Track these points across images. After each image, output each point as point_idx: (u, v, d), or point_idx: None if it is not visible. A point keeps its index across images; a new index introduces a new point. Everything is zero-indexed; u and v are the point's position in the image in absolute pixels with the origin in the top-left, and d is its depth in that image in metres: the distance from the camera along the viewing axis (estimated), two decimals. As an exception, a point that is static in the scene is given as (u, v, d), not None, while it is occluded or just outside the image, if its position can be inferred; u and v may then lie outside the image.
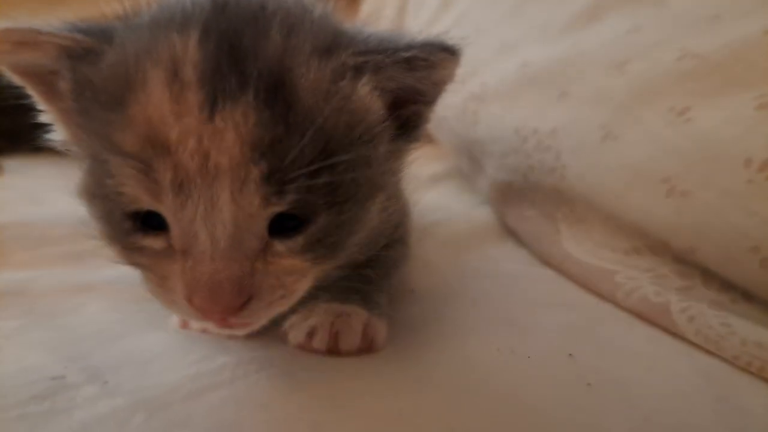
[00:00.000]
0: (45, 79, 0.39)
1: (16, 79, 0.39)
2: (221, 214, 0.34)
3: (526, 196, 0.76)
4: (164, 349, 0.45)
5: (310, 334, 0.45)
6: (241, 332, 0.42)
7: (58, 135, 0.42)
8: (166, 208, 0.35)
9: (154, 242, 0.36)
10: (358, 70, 0.38)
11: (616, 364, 0.46)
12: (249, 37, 0.35)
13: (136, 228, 0.36)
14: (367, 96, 0.39)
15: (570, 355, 0.47)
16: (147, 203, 0.35)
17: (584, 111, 0.67)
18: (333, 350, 0.45)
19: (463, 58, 0.40)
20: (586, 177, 0.64)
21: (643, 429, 0.38)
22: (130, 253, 0.38)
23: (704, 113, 0.54)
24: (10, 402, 0.37)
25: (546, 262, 0.70)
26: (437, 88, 0.42)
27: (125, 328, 0.49)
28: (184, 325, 0.49)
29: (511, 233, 0.81)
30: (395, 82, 0.40)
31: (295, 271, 0.38)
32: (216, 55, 0.34)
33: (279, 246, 0.37)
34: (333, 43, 0.38)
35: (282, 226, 0.36)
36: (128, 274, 0.62)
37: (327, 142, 0.36)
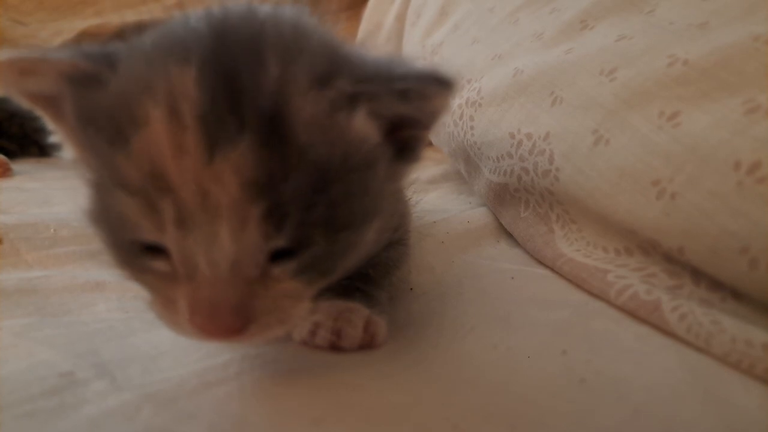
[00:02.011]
0: (53, 102, 0.39)
1: (25, 104, 0.39)
2: (222, 248, 0.35)
3: (521, 198, 0.78)
4: (171, 345, 0.46)
5: (313, 330, 0.46)
6: (237, 344, 0.44)
7: (68, 153, 0.42)
8: (168, 240, 0.35)
9: (160, 265, 0.37)
10: (355, 99, 0.38)
11: (607, 360, 0.47)
12: (246, 71, 0.34)
13: (143, 252, 0.37)
14: (364, 124, 0.39)
15: (564, 351, 0.48)
16: (150, 235, 0.35)
17: (576, 116, 0.69)
18: (335, 346, 0.46)
19: (456, 89, 0.39)
20: (579, 180, 0.66)
21: (632, 420, 0.39)
22: (138, 274, 0.38)
23: (693, 118, 0.56)
24: (20, 397, 0.38)
25: (540, 261, 0.72)
26: (432, 117, 0.41)
27: (133, 326, 0.50)
28: None
29: (507, 233, 0.83)
30: (391, 110, 0.40)
31: (292, 294, 0.39)
32: (214, 91, 0.34)
33: (276, 270, 0.37)
34: (331, 71, 0.37)
35: (279, 252, 0.37)
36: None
37: (324, 175, 0.36)
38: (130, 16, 1.52)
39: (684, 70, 0.59)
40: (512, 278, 0.67)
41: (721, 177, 0.51)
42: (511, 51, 0.89)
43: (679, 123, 0.56)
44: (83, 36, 1.48)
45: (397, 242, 0.56)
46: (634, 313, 0.55)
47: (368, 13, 1.79)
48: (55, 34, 1.49)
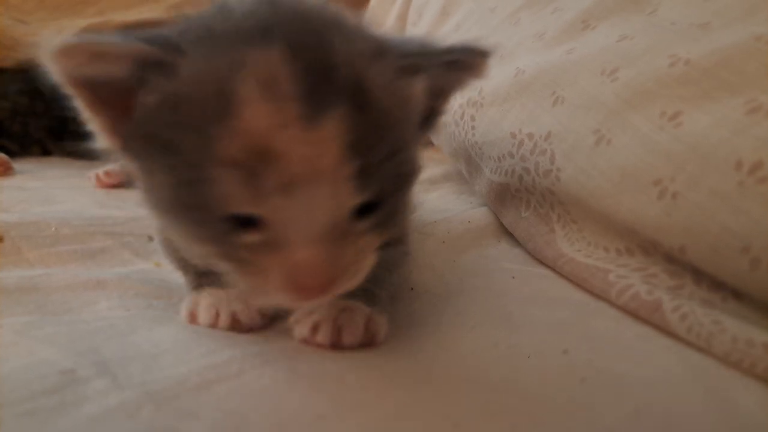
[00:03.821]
0: (98, 90, 0.39)
1: (68, 89, 0.39)
2: (319, 210, 0.38)
3: (522, 198, 0.78)
4: (172, 343, 0.46)
5: (314, 328, 0.47)
6: (313, 304, 0.46)
7: (102, 143, 0.43)
8: (266, 209, 0.37)
9: (251, 237, 0.39)
10: (410, 71, 0.42)
11: (608, 360, 0.47)
12: (324, 47, 0.38)
13: (233, 227, 0.38)
14: (419, 93, 0.44)
15: (565, 350, 0.48)
16: (247, 207, 0.37)
17: (578, 116, 0.69)
18: (336, 344, 0.46)
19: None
20: (580, 179, 0.66)
21: (633, 419, 0.40)
22: (228, 250, 0.40)
23: (694, 117, 0.56)
24: (20, 395, 0.38)
25: (541, 261, 0.72)
26: (464, 85, 0.48)
27: (134, 324, 0.50)
28: (192, 320, 0.51)
29: (508, 233, 0.83)
30: (440, 80, 0.46)
31: (367, 248, 0.42)
32: (303, 66, 0.36)
33: (359, 226, 0.41)
34: (382, 48, 0.41)
35: (360, 209, 0.40)
36: (137, 271, 0.65)
37: (396, 135, 0.41)
38: (132, 15, 1.52)
39: (685, 69, 0.59)
40: (513, 278, 0.67)
41: (723, 177, 0.51)
42: (512, 51, 0.89)
43: (681, 123, 0.56)
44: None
45: (397, 241, 0.56)
46: (635, 313, 0.56)
47: (369, 12, 1.79)
48: (56, 33, 1.49)
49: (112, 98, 0.39)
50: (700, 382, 0.44)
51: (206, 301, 0.51)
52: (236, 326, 0.49)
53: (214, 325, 0.50)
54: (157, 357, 0.44)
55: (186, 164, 0.37)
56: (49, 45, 0.36)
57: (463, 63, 0.45)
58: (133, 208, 0.91)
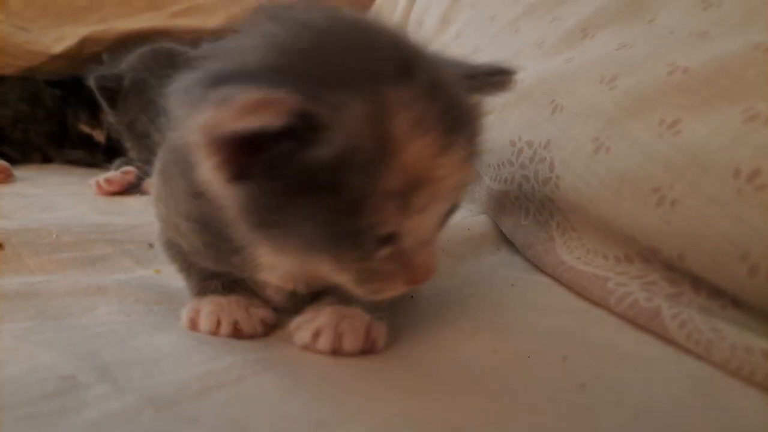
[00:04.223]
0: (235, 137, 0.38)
1: (200, 136, 0.38)
2: (438, 216, 0.45)
3: (522, 206, 0.78)
4: (172, 349, 0.46)
5: (316, 335, 0.47)
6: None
7: (207, 176, 0.42)
8: (406, 225, 0.42)
9: (385, 251, 0.43)
10: (473, 90, 0.48)
11: (608, 367, 0.47)
12: (440, 79, 0.42)
13: (376, 246, 0.43)
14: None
15: (564, 357, 0.48)
16: (395, 226, 0.42)
17: (577, 124, 0.69)
18: (337, 350, 0.47)
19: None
20: (579, 187, 0.66)
21: (632, 425, 0.40)
22: (366, 264, 0.44)
23: (693, 126, 0.56)
24: (21, 400, 0.38)
25: (540, 268, 0.72)
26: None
27: (134, 329, 0.50)
28: (193, 327, 0.51)
29: (507, 241, 0.83)
30: (487, 96, 0.51)
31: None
32: (438, 105, 0.41)
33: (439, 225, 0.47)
34: (455, 68, 0.47)
35: None
36: (138, 278, 0.65)
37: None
38: (134, 24, 1.52)
39: (684, 78, 0.59)
40: (513, 285, 0.67)
41: (721, 184, 0.51)
42: (512, 59, 0.89)
43: (680, 131, 0.57)
44: (86, 42, 1.49)
45: None
46: (635, 320, 0.56)
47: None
48: (57, 41, 1.49)
49: (241, 143, 0.38)
50: (699, 390, 0.44)
51: (208, 308, 0.52)
52: (237, 334, 0.50)
53: (215, 333, 0.50)
54: (158, 362, 0.44)
55: (346, 199, 0.39)
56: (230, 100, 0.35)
57: (506, 82, 0.53)
58: (134, 216, 0.91)
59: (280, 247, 0.44)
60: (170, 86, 0.39)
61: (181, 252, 0.55)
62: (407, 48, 0.43)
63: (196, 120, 0.36)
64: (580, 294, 0.63)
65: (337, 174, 0.39)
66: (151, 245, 0.75)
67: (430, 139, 0.40)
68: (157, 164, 0.56)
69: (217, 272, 0.54)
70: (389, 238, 0.43)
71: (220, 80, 0.36)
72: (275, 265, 0.49)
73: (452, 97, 0.43)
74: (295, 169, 0.39)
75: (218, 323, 0.50)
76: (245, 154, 0.39)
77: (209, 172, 0.41)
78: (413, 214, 0.42)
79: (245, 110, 0.35)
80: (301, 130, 0.37)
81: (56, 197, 1.06)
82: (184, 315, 0.52)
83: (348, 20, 0.44)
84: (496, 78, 0.52)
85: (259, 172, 0.39)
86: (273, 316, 0.53)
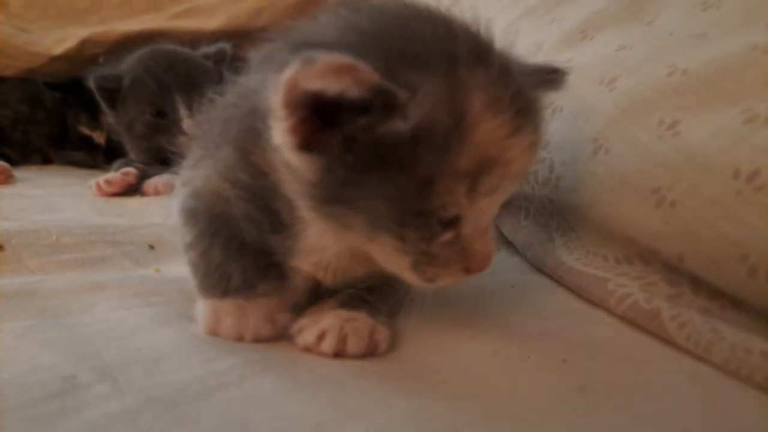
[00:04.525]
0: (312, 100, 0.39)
1: (283, 91, 0.38)
2: (499, 203, 0.47)
3: (521, 207, 0.78)
4: (172, 348, 0.46)
5: (320, 336, 0.47)
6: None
7: (279, 139, 0.42)
8: (471, 208, 0.44)
9: (447, 236, 0.44)
10: (535, 86, 0.48)
11: (607, 368, 0.47)
12: (509, 66, 0.44)
13: (438, 229, 0.44)
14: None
15: (564, 359, 0.48)
16: (462, 209, 0.43)
17: (576, 125, 0.69)
18: (340, 353, 0.47)
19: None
20: (579, 188, 0.66)
21: (631, 428, 0.40)
22: (428, 247, 0.44)
23: (693, 127, 0.56)
24: (22, 401, 0.38)
25: (540, 269, 0.72)
26: None
27: (134, 326, 0.51)
28: (214, 333, 0.50)
29: (507, 242, 0.83)
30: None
31: None
32: (510, 90, 0.42)
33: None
34: (519, 64, 0.48)
35: None
36: (137, 276, 0.65)
37: None
38: (134, 25, 1.52)
39: (683, 79, 0.59)
40: (512, 287, 0.67)
41: (721, 185, 0.51)
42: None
43: (679, 132, 0.57)
44: (86, 43, 1.49)
45: None
46: (634, 321, 0.56)
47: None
48: (58, 42, 1.49)
49: (317, 108, 0.40)
50: (698, 390, 0.45)
51: (229, 320, 0.50)
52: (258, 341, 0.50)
53: (241, 339, 0.49)
54: (158, 362, 0.44)
55: (418, 177, 0.41)
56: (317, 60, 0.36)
57: (553, 80, 0.54)
58: (134, 217, 0.91)
59: (344, 224, 0.44)
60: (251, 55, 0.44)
61: (208, 215, 0.53)
62: (481, 36, 0.45)
63: (280, 78, 0.38)
64: (579, 295, 0.64)
65: (413, 151, 0.40)
66: (151, 246, 0.75)
67: (502, 121, 0.41)
68: (200, 133, 0.57)
69: (243, 250, 0.52)
70: (454, 222, 0.44)
71: (305, 46, 0.38)
72: (314, 250, 0.49)
73: (520, 85, 0.44)
74: (372, 145, 0.40)
75: (240, 337, 0.49)
76: (321, 125, 0.40)
77: (282, 136, 0.41)
78: (480, 197, 0.43)
79: (329, 71, 0.37)
80: (379, 105, 0.39)
81: (56, 198, 1.06)
82: (202, 316, 0.50)
83: (424, 9, 0.45)
84: (551, 76, 0.54)
85: (336, 146, 0.41)
86: (292, 320, 0.51)
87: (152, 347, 0.46)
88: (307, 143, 0.41)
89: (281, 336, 0.50)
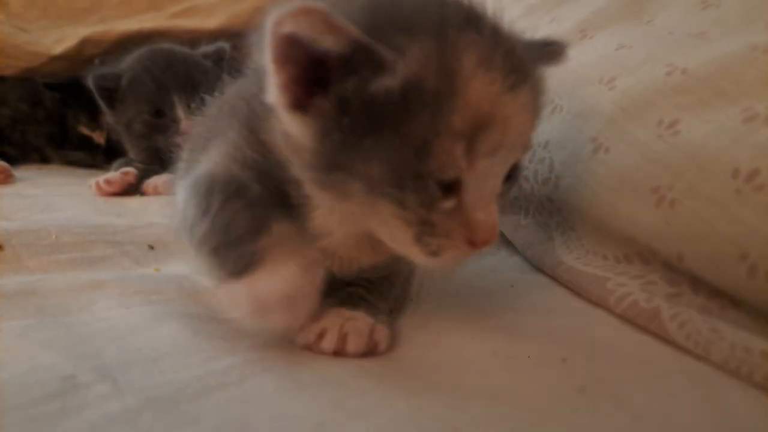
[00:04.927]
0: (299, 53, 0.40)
1: (272, 45, 0.40)
2: (503, 169, 0.46)
3: (521, 206, 0.78)
4: (172, 347, 0.46)
5: (321, 335, 0.47)
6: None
7: (271, 97, 0.43)
8: (472, 172, 0.43)
9: (448, 203, 0.44)
10: (538, 59, 0.49)
11: (607, 368, 0.48)
12: (505, 34, 0.45)
13: (437, 195, 0.43)
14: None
15: (563, 359, 0.48)
16: (459, 171, 0.43)
17: (576, 124, 0.69)
18: (340, 351, 0.47)
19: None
20: (578, 187, 0.66)
21: (632, 427, 0.40)
22: (429, 214, 0.44)
23: (692, 126, 0.56)
24: (22, 401, 0.38)
25: (540, 269, 0.72)
26: None
27: (133, 325, 0.51)
28: (266, 308, 0.43)
29: (507, 241, 0.83)
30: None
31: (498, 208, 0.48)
32: (503, 51, 0.42)
33: (503, 188, 0.47)
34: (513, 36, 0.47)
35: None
36: (137, 275, 0.65)
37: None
38: (134, 24, 1.52)
39: (683, 78, 0.59)
40: (512, 286, 0.67)
41: (720, 184, 0.51)
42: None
43: (678, 131, 0.57)
44: (86, 43, 1.49)
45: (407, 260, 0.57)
46: (634, 320, 0.56)
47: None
48: (57, 41, 1.49)
49: (304, 63, 0.41)
50: (698, 390, 0.45)
51: (277, 297, 0.42)
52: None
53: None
54: (158, 361, 0.44)
55: (413, 139, 0.41)
56: (292, 4, 0.38)
57: (555, 53, 0.54)
58: (134, 216, 0.91)
59: (344, 193, 0.44)
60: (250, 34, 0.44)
61: (223, 183, 0.48)
62: (472, 5, 0.45)
63: (267, 22, 0.39)
64: (579, 294, 0.64)
65: (406, 111, 0.40)
66: (151, 246, 0.75)
67: (495, 77, 0.41)
68: (208, 121, 0.58)
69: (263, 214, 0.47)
70: (454, 187, 0.43)
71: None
72: (326, 231, 0.49)
73: (515, 47, 0.44)
74: (364, 107, 0.41)
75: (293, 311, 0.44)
76: (314, 88, 0.41)
77: (276, 94, 0.42)
78: (480, 158, 0.42)
79: (301, 13, 0.38)
80: (366, 64, 0.40)
81: (56, 198, 1.06)
82: (244, 300, 0.43)
83: None
84: (550, 47, 0.54)
85: (330, 109, 0.41)
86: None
87: (152, 346, 0.46)
88: (300, 103, 0.42)
89: (281, 336, 0.50)
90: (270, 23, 0.39)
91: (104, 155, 1.49)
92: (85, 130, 1.52)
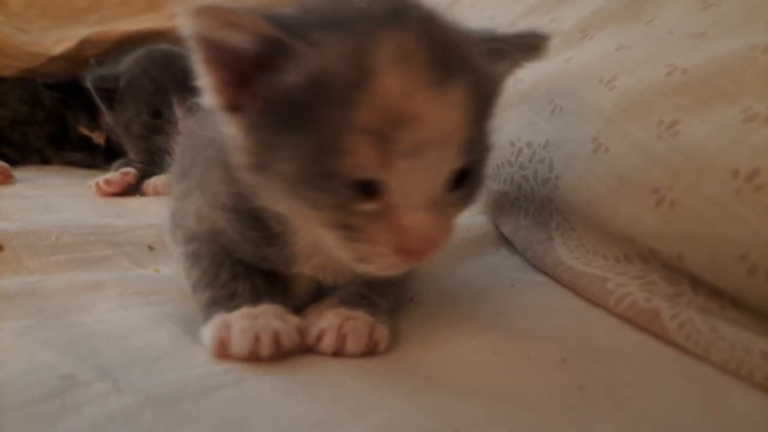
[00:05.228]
0: (220, 54, 0.42)
1: (194, 45, 0.41)
2: (434, 172, 0.42)
3: (521, 206, 0.78)
4: (172, 347, 0.46)
5: (319, 336, 0.47)
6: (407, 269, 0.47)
7: (208, 101, 0.44)
8: (391, 173, 0.40)
9: (369, 206, 0.42)
10: (497, 54, 0.48)
11: (607, 368, 0.48)
12: (440, 31, 0.43)
13: (355, 195, 0.41)
14: (503, 74, 0.50)
15: (563, 359, 0.48)
16: (375, 171, 0.40)
17: (576, 124, 0.69)
18: (339, 352, 0.47)
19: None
20: (578, 187, 0.66)
21: (631, 427, 0.40)
22: (347, 217, 0.42)
23: (692, 126, 0.56)
24: (21, 400, 0.38)
25: (540, 269, 0.72)
26: (519, 67, 0.53)
27: (133, 325, 0.51)
28: (222, 349, 0.45)
29: (507, 241, 0.83)
30: (517, 62, 0.51)
31: (453, 217, 0.47)
32: (428, 43, 0.40)
33: (449, 196, 0.44)
34: (474, 34, 0.47)
35: (455, 178, 0.44)
36: (136, 276, 0.65)
37: (488, 112, 0.46)
38: (133, 25, 1.52)
39: (683, 78, 0.59)
40: (512, 286, 0.67)
41: (720, 185, 0.51)
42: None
43: (678, 131, 0.57)
44: (85, 43, 1.49)
45: None
46: (634, 320, 0.56)
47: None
48: (57, 42, 1.49)
49: (231, 65, 0.42)
50: (698, 391, 0.45)
51: (240, 323, 0.45)
52: (278, 351, 0.45)
53: (253, 354, 0.44)
54: (157, 361, 0.44)
55: (321, 136, 0.40)
56: (189, 4, 0.39)
57: (532, 45, 0.51)
58: (133, 217, 0.91)
59: (275, 196, 0.45)
60: None
61: (210, 251, 0.53)
62: (410, 2, 0.44)
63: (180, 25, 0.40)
64: (579, 294, 0.64)
65: (313, 106, 0.40)
66: (150, 247, 0.75)
67: (413, 71, 0.39)
68: (183, 169, 0.59)
69: (249, 270, 0.52)
70: (376, 189, 0.41)
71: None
72: (311, 253, 0.49)
73: (449, 42, 0.42)
74: (279, 102, 0.41)
75: (256, 339, 0.44)
76: (244, 84, 0.42)
77: (210, 96, 0.43)
78: (398, 158, 0.40)
79: (209, 14, 0.39)
80: (278, 61, 0.40)
81: (56, 199, 1.06)
82: (209, 334, 0.46)
83: None
84: (527, 40, 0.51)
85: (254, 106, 0.42)
86: (303, 324, 0.49)
87: (152, 347, 0.46)
88: (235, 104, 0.43)
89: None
90: (180, 26, 0.39)
91: (104, 156, 1.49)
92: (84, 131, 1.52)
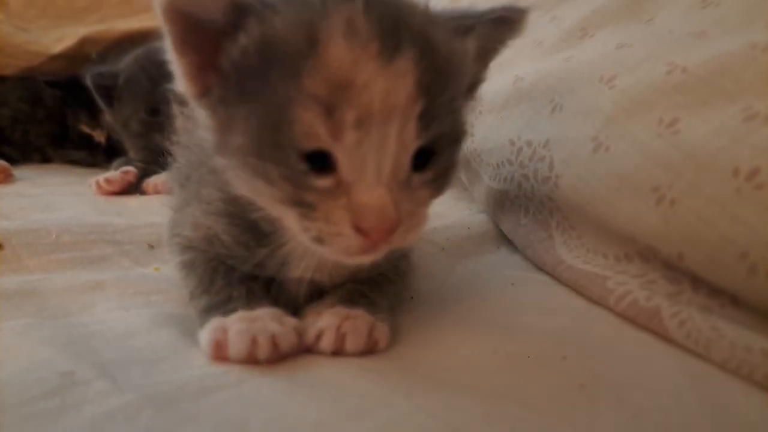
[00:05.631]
0: (190, 35, 0.43)
1: (166, 25, 0.42)
2: (388, 147, 0.41)
3: (521, 205, 0.78)
4: (171, 348, 0.47)
5: (318, 335, 0.47)
6: (371, 258, 0.45)
7: (180, 87, 0.46)
8: (341, 145, 0.40)
9: (323, 182, 0.41)
10: (463, 31, 0.47)
11: (607, 366, 0.48)
12: (393, 5, 0.43)
13: (308, 169, 0.41)
14: (471, 52, 0.48)
15: (563, 357, 0.48)
16: (324, 142, 0.40)
17: (576, 123, 0.69)
18: (339, 351, 0.47)
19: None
20: (579, 186, 0.66)
21: (631, 426, 0.40)
22: (300, 192, 0.42)
23: (692, 125, 0.56)
24: (21, 398, 0.38)
25: (540, 267, 0.72)
26: (503, 45, 0.53)
27: (133, 325, 0.51)
28: (219, 351, 0.45)
29: (507, 240, 0.83)
30: (487, 37, 0.50)
31: (423, 202, 0.46)
32: (377, 17, 0.40)
33: (416, 178, 0.44)
34: (436, 11, 0.47)
35: (415, 163, 0.44)
36: (137, 275, 0.65)
37: (454, 88, 0.45)
38: (134, 23, 1.52)
39: (683, 77, 0.59)
40: (512, 285, 0.67)
41: (720, 184, 0.51)
42: (511, 58, 0.89)
43: (678, 130, 0.57)
44: (85, 42, 1.49)
45: (404, 256, 0.58)
46: (634, 319, 0.56)
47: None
48: (57, 41, 1.49)
49: (201, 46, 0.43)
50: (698, 389, 0.45)
51: (237, 326, 0.45)
52: (276, 353, 0.45)
53: (250, 357, 0.44)
54: (157, 361, 0.44)
55: (272, 105, 0.40)
56: None
57: (506, 19, 0.51)
58: (134, 216, 0.91)
59: (235, 175, 0.45)
60: None
61: (205, 259, 0.53)
62: None
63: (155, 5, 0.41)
64: (579, 293, 0.64)
65: (264, 74, 0.41)
66: (151, 246, 0.75)
67: (361, 40, 0.40)
68: (181, 181, 0.60)
69: (244, 275, 0.52)
70: (329, 162, 0.41)
71: None
72: (305, 254, 0.49)
73: (402, 16, 0.42)
74: (235, 73, 0.42)
75: (254, 342, 0.44)
76: (205, 66, 0.43)
77: (182, 84, 0.45)
78: (346, 129, 0.40)
79: None
80: (238, 29, 0.42)
81: (56, 197, 1.06)
82: (206, 337, 0.45)
83: None
84: (497, 14, 0.50)
85: (216, 83, 0.43)
86: (301, 325, 0.48)
87: (152, 348, 0.47)
88: (203, 89, 0.44)
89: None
90: (155, 5, 0.41)
91: (105, 154, 1.49)
92: (85, 129, 1.52)
